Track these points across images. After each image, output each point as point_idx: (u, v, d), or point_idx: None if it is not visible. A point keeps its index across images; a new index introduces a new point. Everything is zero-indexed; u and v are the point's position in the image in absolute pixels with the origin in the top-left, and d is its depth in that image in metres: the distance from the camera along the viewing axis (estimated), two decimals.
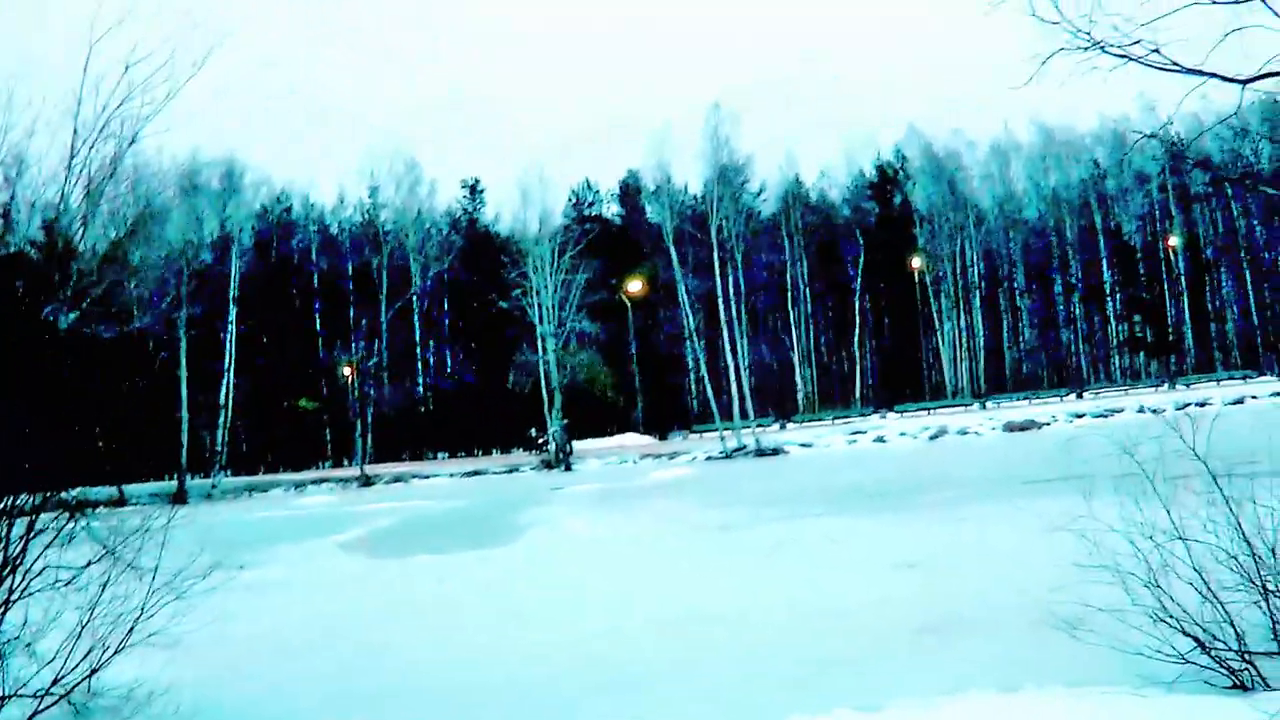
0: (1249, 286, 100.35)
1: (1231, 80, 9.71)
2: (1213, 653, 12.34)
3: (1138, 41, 9.43)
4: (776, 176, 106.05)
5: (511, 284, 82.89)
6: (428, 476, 74.89)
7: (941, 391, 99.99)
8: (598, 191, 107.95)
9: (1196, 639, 12.40)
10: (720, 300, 78.92)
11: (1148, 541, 12.76)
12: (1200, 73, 9.59)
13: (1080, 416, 67.34)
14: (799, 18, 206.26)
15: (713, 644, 17.36)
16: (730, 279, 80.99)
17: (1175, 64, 9.60)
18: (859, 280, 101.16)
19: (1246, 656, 12.14)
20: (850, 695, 12.81)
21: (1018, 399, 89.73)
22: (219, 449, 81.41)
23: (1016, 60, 10.00)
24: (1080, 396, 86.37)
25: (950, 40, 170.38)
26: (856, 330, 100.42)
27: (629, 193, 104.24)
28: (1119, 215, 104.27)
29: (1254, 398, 65.89)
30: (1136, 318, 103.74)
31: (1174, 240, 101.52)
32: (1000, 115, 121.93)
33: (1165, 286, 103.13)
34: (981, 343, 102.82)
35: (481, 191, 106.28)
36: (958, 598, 18.79)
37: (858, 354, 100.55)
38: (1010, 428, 68.18)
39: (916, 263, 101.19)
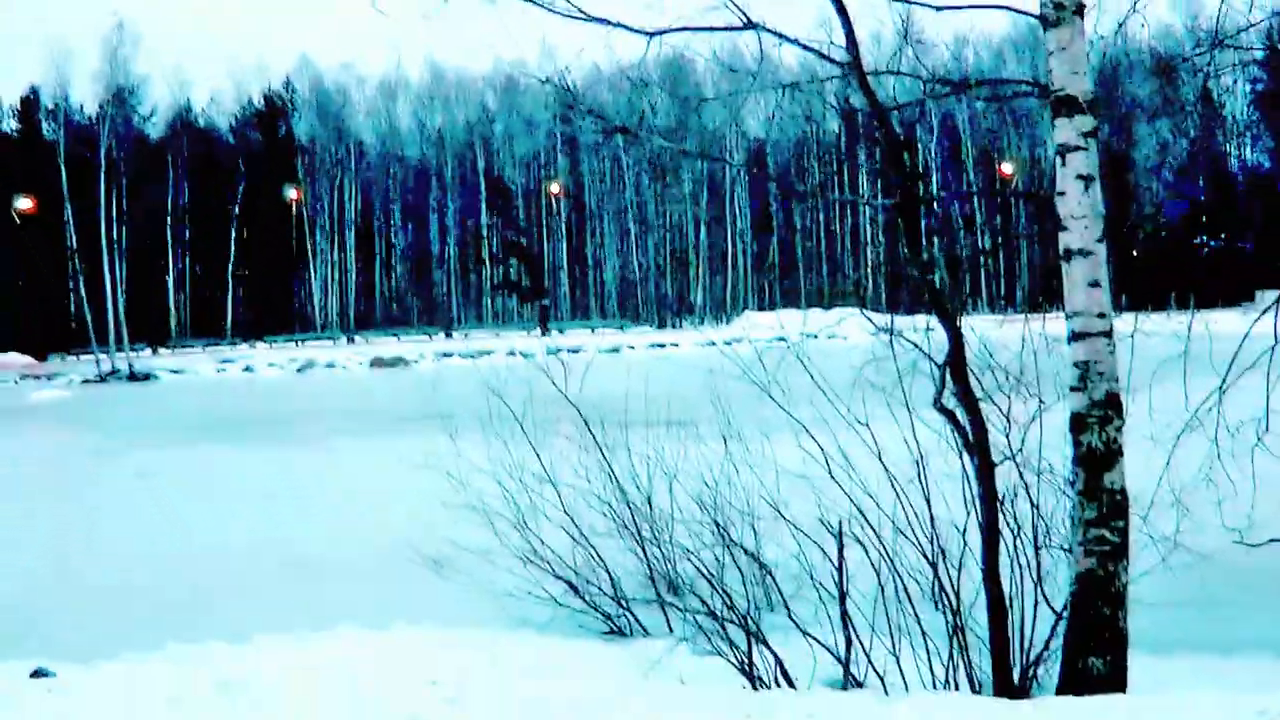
0: (632, 237, 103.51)
1: (639, 31, 9.51)
2: (587, 597, 12.25)
3: None
4: (168, 100, 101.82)
5: None
6: None
7: (312, 324, 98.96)
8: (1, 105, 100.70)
9: (570, 583, 12.29)
10: (103, 222, 75.62)
11: (517, 483, 12.56)
12: (608, 22, 9.34)
13: (449, 356, 67.79)
14: None
15: (79, 574, 16.30)
16: (115, 202, 77.61)
17: (583, 12, 9.31)
18: (237, 209, 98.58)
19: (623, 603, 12.10)
20: (223, 627, 12.15)
21: (387, 335, 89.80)
22: None
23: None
24: (450, 336, 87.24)
25: None
26: (232, 259, 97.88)
27: (29, 108, 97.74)
28: (503, 160, 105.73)
29: (631, 348, 67.57)
30: (512, 261, 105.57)
31: (556, 187, 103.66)
32: (394, 53, 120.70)
33: (545, 232, 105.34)
34: (354, 278, 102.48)
35: None
36: (328, 532, 18.62)
37: (231, 283, 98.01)
38: (378, 364, 68.03)
39: (293, 195, 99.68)
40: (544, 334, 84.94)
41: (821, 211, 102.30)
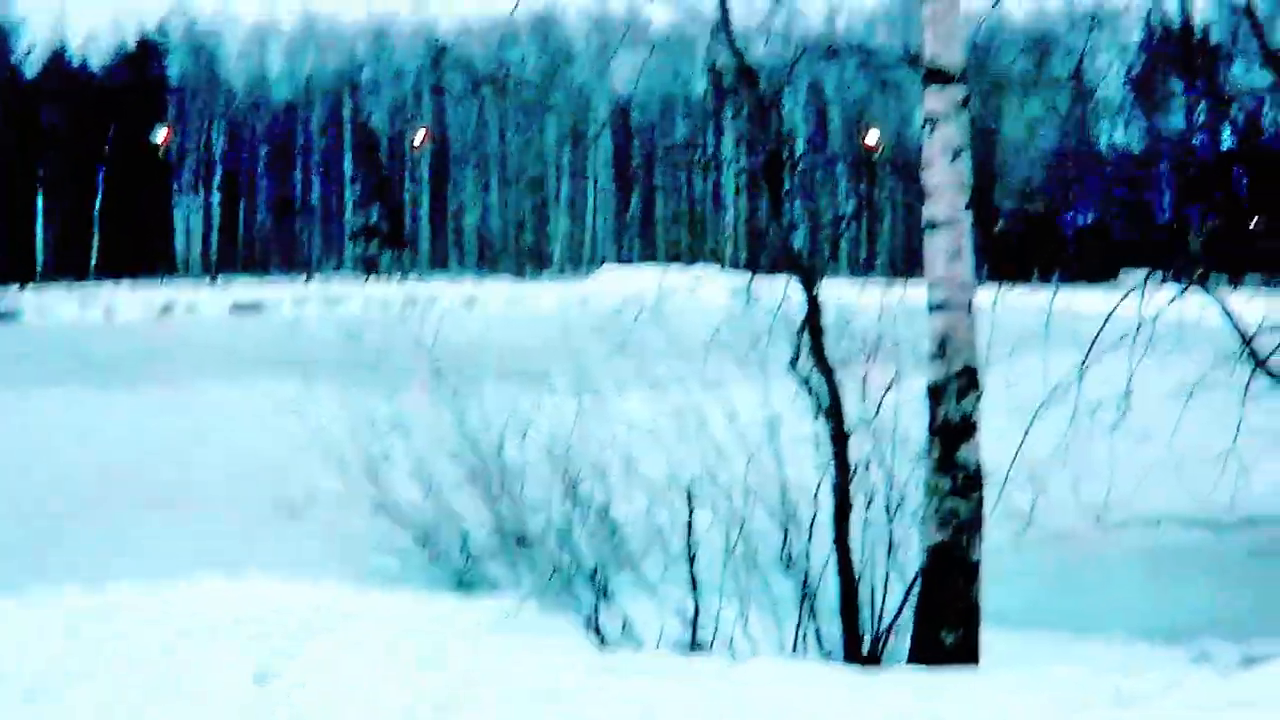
0: (494, 188, 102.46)
1: None
2: (437, 549, 11.95)
3: None
4: (46, 39, 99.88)
5: None
6: None
7: (175, 265, 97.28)
8: None
9: (420, 534, 11.98)
10: None
11: (370, 432, 12.23)
12: None
13: (309, 301, 67.02)
14: None
15: None
16: None
17: None
18: (107, 148, 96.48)
19: (472, 556, 11.81)
20: (79, 570, 11.65)
21: (249, 278, 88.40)
22: None
23: None
24: (310, 281, 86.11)
25: None
26: (99, 198, 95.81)
27: None
28: (370, 107, 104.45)
29: (489, 298, 67.05)
30: (374, 208, 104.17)
31: (420, 136, 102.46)
32: None
33: (408, 180, 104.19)
34: (218, 220, 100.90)
35: None
36: (187, 475, 18.35)
37: (98, 222, 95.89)
38: (238, 307, 67.20)
39: (163, 136, 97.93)
40: (368, 280, 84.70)
41: (684, 170, 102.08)
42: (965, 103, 7.97)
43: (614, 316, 9.91)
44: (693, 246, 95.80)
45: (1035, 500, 9.00)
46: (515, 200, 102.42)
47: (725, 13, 8.83)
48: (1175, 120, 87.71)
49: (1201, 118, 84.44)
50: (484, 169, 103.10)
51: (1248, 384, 11.15)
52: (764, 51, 12.58)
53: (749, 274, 9.35)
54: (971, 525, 7.90)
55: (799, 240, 9.58)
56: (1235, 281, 40.00)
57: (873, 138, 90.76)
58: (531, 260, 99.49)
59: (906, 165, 10.09)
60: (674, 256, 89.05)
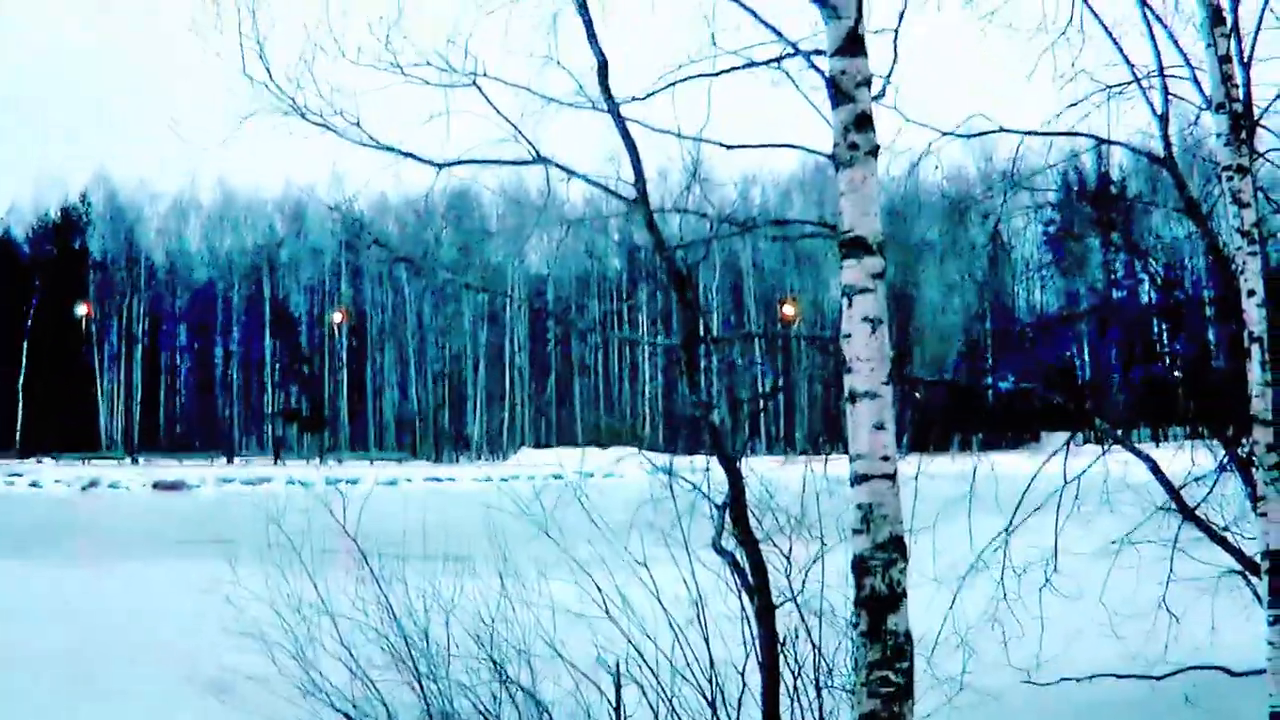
0: (411, 368, 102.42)
1: (429, 162, 9.30)
2: None
3: (340, 112, 8.82)
4: None
5: None
6: None
7: (98, 442, 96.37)
8: None
9: (348, 716, 11.78)
10: None
11: (295, 614, 12.07)
12: (399, 151, 9.12)
13: (230, 481, 66.85)
14: None
15: None
16: None
17: (374, 140, 9.08)
18: (30, 322, 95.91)
19: None
20: None
21: (170, 458, 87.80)
22: None
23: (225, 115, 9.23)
24: (230, 461, 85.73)
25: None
26: (23, 372, 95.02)
27: None
28: (288, 285, 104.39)
29: (409, 480, 66.81)
30: (293, 388, 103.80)
31: (338, 315, 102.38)
32: (188, 170, 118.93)
33: (327, 360, 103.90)
34: (139, 397, 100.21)
35: None
36: (111, 653, 17.97)
37: (21, 396, 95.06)
38: (160, 486, 67.11)
39: (84, 311, 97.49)
40: (278, 461, 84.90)
41: (601, 349, 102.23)
42: (883, 273, 7.98)
43: (535, 498, 9.87)
44: (611, 427, 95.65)
45: (966, 663, 8.96)
46: (432, 381, 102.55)
47: (642, 188, 8.88)
48: (1094, 277, 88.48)
49: (1120, 272, 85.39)
50: (402, 349, 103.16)
51: (1176, 535, 11.24)
52: (679, 227, 12.75)
53: (669, 453, 9.37)
54: (903, 693, 7.78)
55: (718, 417, 9.57)
56: (1159, 436, 40.30)
57: (789, 311, 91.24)
58: (450, 442, 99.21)
59: (825, 339, 10.20)
60: (593, 438, 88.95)
